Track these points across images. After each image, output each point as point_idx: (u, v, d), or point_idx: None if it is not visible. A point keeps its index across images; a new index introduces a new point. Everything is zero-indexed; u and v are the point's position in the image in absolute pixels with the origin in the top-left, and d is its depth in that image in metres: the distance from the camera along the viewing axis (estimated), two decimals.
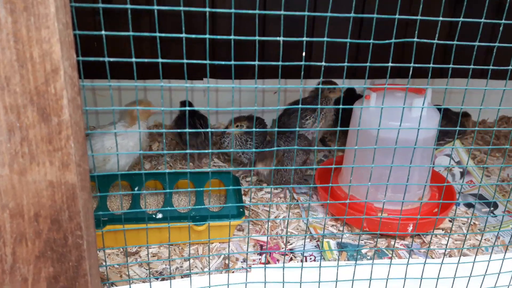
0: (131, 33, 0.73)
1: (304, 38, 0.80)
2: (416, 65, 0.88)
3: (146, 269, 1.38)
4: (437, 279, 1.04)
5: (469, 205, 1.76)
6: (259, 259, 1.45)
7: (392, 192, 1.55)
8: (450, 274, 1.04)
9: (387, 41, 0.85)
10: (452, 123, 1.99)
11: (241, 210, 1.49)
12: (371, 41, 0.84)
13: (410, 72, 0.89)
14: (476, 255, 1.04)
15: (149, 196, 1.58)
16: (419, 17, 0.85)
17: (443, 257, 1.04)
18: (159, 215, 1.44)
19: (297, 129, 0.90)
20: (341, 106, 0.95)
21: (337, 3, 0.85)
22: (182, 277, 1.34)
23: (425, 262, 1.02)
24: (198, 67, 2.14)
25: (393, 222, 1.50)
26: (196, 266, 1.42)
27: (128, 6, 0.71)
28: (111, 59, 0.73)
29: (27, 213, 0.71)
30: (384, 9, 0.85)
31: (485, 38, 0.86)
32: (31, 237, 0.72)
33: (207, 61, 0.77)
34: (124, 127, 1.70)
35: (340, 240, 1.52)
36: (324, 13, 0.81)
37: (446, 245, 1.51)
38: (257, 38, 0.76)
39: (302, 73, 0.86)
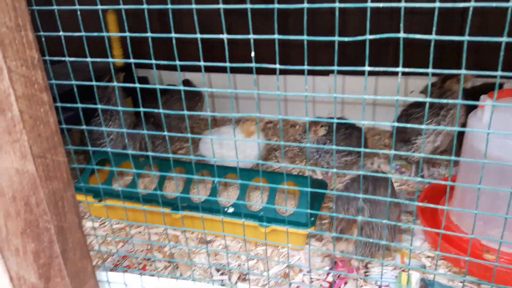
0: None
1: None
2: None
3: (213, 260, 1.41)
4: None
5: None
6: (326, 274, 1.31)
7: (507, 231, 1.18)
8: None
9: None
10: None
11: (312, 219, 1.36)
12: None
13: None
14: None
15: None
16: None
17: None
18: (231, 209, 1.44)
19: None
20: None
21: None
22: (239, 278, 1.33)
23: None
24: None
25: (502, 269, 1.15)
26: (257, 268, 1.38)
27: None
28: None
29: (7, 194, 0.80)
30: None
31: None
32: (14, 215, 0.82)
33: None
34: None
35: (428, 276, 1.25)
36: None
37: None
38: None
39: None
